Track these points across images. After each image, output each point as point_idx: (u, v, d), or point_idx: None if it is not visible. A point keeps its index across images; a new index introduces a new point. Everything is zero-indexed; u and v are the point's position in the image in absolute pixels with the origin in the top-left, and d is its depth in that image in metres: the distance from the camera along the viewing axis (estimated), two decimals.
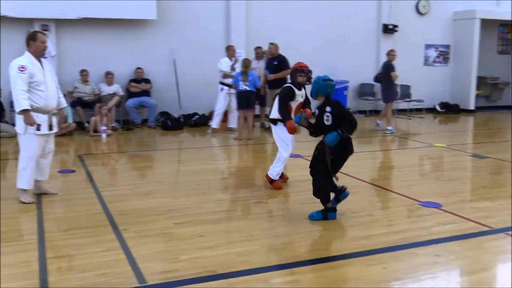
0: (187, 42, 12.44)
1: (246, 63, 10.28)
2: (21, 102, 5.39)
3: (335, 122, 5.14)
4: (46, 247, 4.44)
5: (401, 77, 14.52)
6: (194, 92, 12.52)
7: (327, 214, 5.25)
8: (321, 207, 5.31)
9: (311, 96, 5.49)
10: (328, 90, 5.33)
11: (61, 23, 11.44)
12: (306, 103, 6.47)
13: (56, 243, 4.57)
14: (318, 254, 4.36)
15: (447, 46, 15.90)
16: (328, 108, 5.19)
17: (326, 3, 13.80)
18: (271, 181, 6.54)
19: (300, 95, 6.36)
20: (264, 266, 4.07)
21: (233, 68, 11.03)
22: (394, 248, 4.47)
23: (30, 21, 11.21)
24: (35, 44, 5.68)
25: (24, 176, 5.74)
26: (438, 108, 15.63)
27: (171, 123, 11.53)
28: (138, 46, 12.15)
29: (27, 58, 5.64)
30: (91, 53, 11.71)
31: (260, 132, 11.30)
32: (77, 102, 11.21)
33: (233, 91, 10.81)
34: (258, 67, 11.54)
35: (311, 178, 6.91)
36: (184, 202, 5.82)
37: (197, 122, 12.06)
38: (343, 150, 5.35)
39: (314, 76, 5.83)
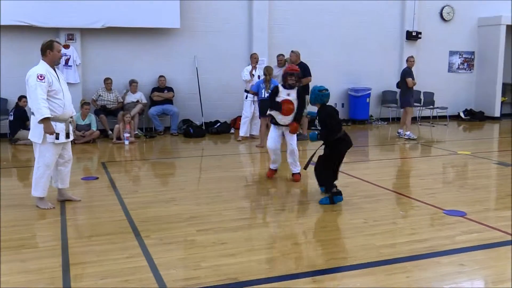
0: (209, 51, 12.52)
1: (269, 71, 10.27)
2: (43, 110, 5.46)
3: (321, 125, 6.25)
4: (69, 254, 4.48)
5: (424, 84, 14.43)
6: (216, 100, 12.59)
7: (333, 198, 6.04)
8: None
9: (310, 103, 6.39)
10: (323, 99, 6.27)
11: (86, 32, 11.62)
12: (300, 105, 7.23)
13: (79, 249, 4.61)
14: (340, 263, 4.32)
15: (472, 53, 15.69)
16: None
17: (349, 10, 13.76)
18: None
19: (285, 93, 7.14)
20: (285, 274, 4.05)
21: (251, 75, 11.07)
22: (417, 257, 4.41)
23: (56, 30, 11.41)
24: (52, 53, 5.76)
25: (40, 184, 5.81)
26: (462, 115, 15.41)
27: (193, 131, 11.60)
28: (161, 55, 12.27)
29: (44, 67, 5.71)
30: (115, 62, 11.86)
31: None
32: (100, 110, 11.35)
33: (257, 98, 10.83)
34: (280, 75, 11.53)
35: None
36: (206, 210, 5.83)
37: (219, 129, 12.10)
38: (338, 147, 6.26)
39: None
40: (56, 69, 5.88)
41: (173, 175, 8.22)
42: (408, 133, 11.40)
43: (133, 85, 11.72)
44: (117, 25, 11.58)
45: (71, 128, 5.95)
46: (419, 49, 14.58)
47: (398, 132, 11.66)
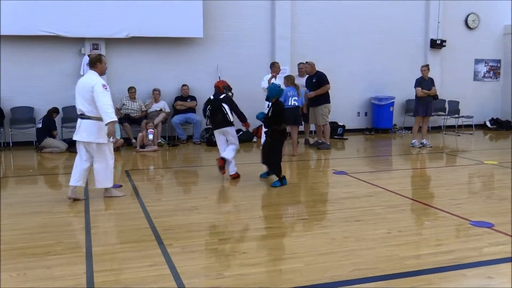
0: (232, 59, 12.59)
1: (292, 79, 10.24)
2: (112, 114, 6.31)
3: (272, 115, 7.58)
4: (94, 261, 4.52)
5: (450, 92, 14.28)
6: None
7: (283, 181, 7.49)
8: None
9: (268, 99, 7.88)
10: (280, 94, 7.81)
11: (111, 42, 11.79)
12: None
13: (103, 257, 4.65)
14: (363, 274, 4.26)
15: (498, 61, 15.48)
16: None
17: (372, 18, 13.71)
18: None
19: None
20: (308, 284, 4.01)
21: (270, 83, 11.04)
22: (443, 269, 4.32)
23: (81, 40, 11.61)
24: (101, 65, 6.57)
25: (111, 176, 6.72)
26: (488, 124, 15.18)
27: (215, 139, 11.60)
28: (184, 64, 12.38)
29: (99, 77, 6.49)
30: (139, 71, 12.01)
31: (304, 148, 11.24)
32: (124, 119, 11.48)
33: None
34: (300, 85, 11.51)
35: (355, 196, 6.90)
36: (228, 218, 5.83)
37: (241, 138, 12.06)
38: (282, 136, 7.74)
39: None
40: None
41: (196, 184, 8.25)
42: (413, 141, 11.33)
43: (155, 93, 11.84)
44: (140, 34, 11.73)
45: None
46: (444, 57, 14.44)
47: (421, 143, 11.50)
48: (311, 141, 11.65)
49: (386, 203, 6.52)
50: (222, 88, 8.24)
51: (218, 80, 8.97)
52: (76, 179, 6.61)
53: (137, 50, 12.06)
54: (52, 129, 10.91)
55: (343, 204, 6.48)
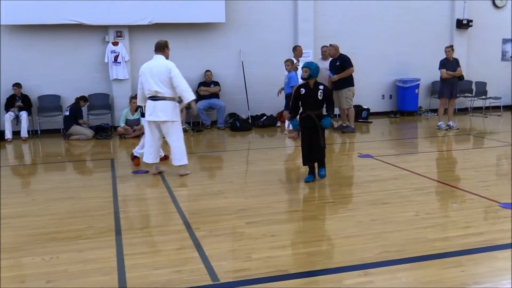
0: (255, 44, 12.54)
1: (293, 63, 10.25)
2: (192, 93, 7.06)
3: (323, 98, 6.55)
4: (123, 244, 4.60)
5: (476, 73, 14.02)
6: (262, 93, 12.59)
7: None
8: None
9: (310, 78, 6.54)
10: (318, 73, 6.73)
11: (134, 29, 11.85)
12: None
13: (132, 240, 4.72)
14: (392, 256, 4.24)
15: None
16: (321, 87, 6.57)
17: None
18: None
19: None
20: (336, 266, 4.02)
21: (295, 68, 10.99)
22: (472, 251, 4.28)
23: (105, 28, 11.70)
24: (168, 50, 7.18)
25: (185, 153, 7.22)
26: None
27: (239, 124, 11.66)
28: (207, 49, 12.38)
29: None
30: None
31: (328, 132, 11.18)
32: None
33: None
34: (323, 68, 11.42)
35: (382, 179, 6.85)
36: (255, 202, 5.85)
37: (265, 123, 12.12)
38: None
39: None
40: None
41: (221, 168, 8.30)
42: (439, 123, 11.17)
43: None
44: (163, 21, 11.76)
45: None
46: (470, 37, 14.15)
47: (448, 125, 11.33)
48: (335, 124, 11.58)
49: (413, 186, 6.46)
50: None
51: None
52: (154, 156, 7.26)
53: (160, 36, 11.89)
54: (78, 117, 11.06)
55: (369, 187, 6.45)
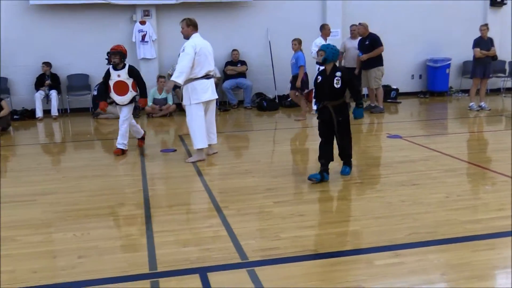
0: (282, 23, 12.39)
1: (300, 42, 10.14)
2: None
3: (342, 86, 5.66)
4: (152, 222, 4.64)
5: (510, 53, 13.60)
6: (289, 73, 12.42)
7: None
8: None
9: (325, 62, 5.70)
10: (338, 56, 5.89)
11: (161, 8, 11.83)
12: (138, 85, 7.36)
13: (161, 218, 4.77)
14: (422, 237, 4.19)
15: None
16: (338, 73, 5.67)
17: None
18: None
19: (116, 75, 7.24)
20: (366, 247, 3.99)
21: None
22: (506, 234, 4.19)
23: (132, 7, 11.71)
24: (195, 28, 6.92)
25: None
26: None
27: (266, 104, 11.61)
28: (234, 28, 12.30)
29: None
30: None
31: None
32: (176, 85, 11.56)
33: None
34: (352, 47, 11.26)
35: (411, 160, 6.74)
36: (282, 182, 5.83)
37: (292, 102, 12.02)
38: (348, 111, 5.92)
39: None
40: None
41: (248, 148, 8.29)
42: (471, 104, 10.91)
43: None
44: (190, 0, 11.69)
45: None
46: (505, 16, 13.71)
47: (479, 106, 11.07)
48: (364, 104, 11.42)
49: (443, 167, 6.35)
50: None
51: None
52: (208, 138, 7.02)
53: (187, 15, 11.82)
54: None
55: (398, 168, 6.36)
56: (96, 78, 11.51)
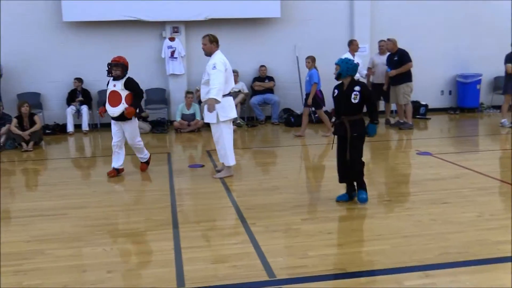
0: (309, 39, 12.41)
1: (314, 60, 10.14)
2: None
3: (361, 101, 5.43)
4: (180, 237, 4.66)
5: None
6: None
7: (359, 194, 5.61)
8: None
9: (340, 77, 5.55)
10: (356, 70, 5.61)
11: (190, 25, 11.99)
12: (134, 97, 7.07)
13: (189, 234, 4.78)
14: (453, 258, 4.10)
15: None
16: (357, 88, 5.45)
17: None
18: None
19: (112, 85, 7.04)
20: (395, 267, 3.93)
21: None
22: None
23: (162, 24, 11.90)
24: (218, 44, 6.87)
25: None
26: None
27: (294, 120, 11.60)
28: (261, 44, 12.37)
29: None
30: None
31: (385, 128, 10.96)
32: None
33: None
34: (380, 63, 11.20)
35: (441, 177, 6.61)
36: (310, 199, 5.80)
37: (319, 118, 11.99)
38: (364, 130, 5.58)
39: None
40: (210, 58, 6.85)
41: (275, 164, 8.28)
42: (503, 120, 10.68)
43: (233, 75, 11.88)
44: (219, 16, 11.83)
45: (204, 109, 6.77)
46: None
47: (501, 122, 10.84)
48: (392, 121, 11.32)
49: (474, 185, 6.23)
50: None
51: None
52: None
53: (215, 32, 11.90)
54: (139, 111, 11.29)
55: (428, 186, 6.26)
56: None
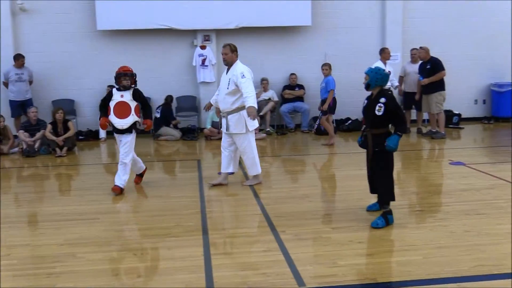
0: (340, 47, 12.36)
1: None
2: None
3: (385, 114, 5.05)
4: (210, 244, 4.67)
5: None
6: (347, 97, 12.35)
7: (388, 217, 5.10)
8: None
9: (369, 87, 5.25)
10: (386, 80, 5.26)
11: (221, 33, 12.07)
12: (144, 108, 6.77)
13: (219, 240, 4.79)
14: (488, 270, 4.00)
15: None
16: (382, 99, 5.09)
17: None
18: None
19: (119, 95, 6.61)
20: (428, 278, 3.85)
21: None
22: None
23: (193, 32, 12.02)
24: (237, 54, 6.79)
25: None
26: None
27: (323, 128, 11.52)
28: (292, 52, 12.37)
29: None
30: (247, 60, 11.97)
31: (416, 137, 10.80)
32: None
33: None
34: (412, 71, 11.07)
35: (475, 188, 6.47)
36: (340, 207, 5.75)
37: (350, 127, 11.93)
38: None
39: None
40: (231, 68, 6.77)
41: (305, 172, 8.24)
42: None
43: (263, 83, 11.96)
44: (249, 25, 11.88)
45: (224, 121, 6.81)
46: None
47: None
48: (424, 130, 11.15)
49: (510, 197, 6.06)
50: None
51: None
52: (233, 166, 7.04)
53: (246, 40, 12.23)
54: (170, 118, 11.44)
55: (461, 196, 6.14)
56: (158, 100, 11.86)
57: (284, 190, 6.63)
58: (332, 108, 10.11)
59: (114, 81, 6.74)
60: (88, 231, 5.12)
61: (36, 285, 3.95)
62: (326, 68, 10.17)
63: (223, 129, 6.84)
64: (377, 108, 5.08)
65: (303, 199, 6.14)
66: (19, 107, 10.91)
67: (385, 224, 5.04)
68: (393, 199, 5.20)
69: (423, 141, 10.35)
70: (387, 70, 10.72)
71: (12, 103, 10.98)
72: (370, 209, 5.56)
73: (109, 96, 6.72)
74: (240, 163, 8.32)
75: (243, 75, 6.48)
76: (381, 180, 5.20)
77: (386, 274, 3.93)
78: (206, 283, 3.84)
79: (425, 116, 11.48)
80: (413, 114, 11.59)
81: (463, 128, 12.01)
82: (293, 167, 8.49)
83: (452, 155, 8.80)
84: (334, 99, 10.04)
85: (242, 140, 6.73)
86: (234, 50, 6.72)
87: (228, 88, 6.58)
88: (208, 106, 7.45)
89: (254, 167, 6.82)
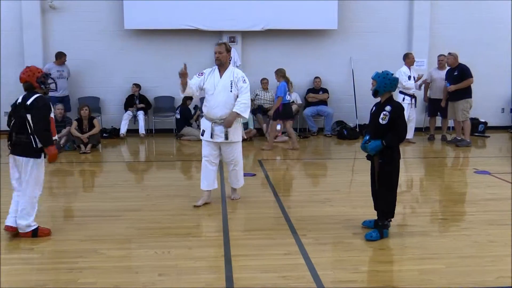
0: (366, 51, 12.28)
1: (284, 73, 10.00)
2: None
3: (390, 124, 4.77)
4: (231, 245, 4.68)
5: None
6: (372, 102, 12.19)
7: (383, 231, 4.86)
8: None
9: (377, 94, 4.91)
10: (396, 85, 4.94)
11: (247, 35, 12.10)
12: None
13: (239, 242, 4.80)
14: None
15: None
16: (388, 107, 4.82)
17: None
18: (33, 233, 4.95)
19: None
20: (449, 287, 3.79)
21: (410, 78, 10.58)
22: None
23: (219, 33, 12.07)
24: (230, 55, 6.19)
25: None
26: None
27: (347, 133, 11.48)
28: (317, 56, 12.33)
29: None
30: (272, 63, 12.11)
31: (441, 144, 10.67)
32: (257, 109, 11.73)
33: (413, 100, 10.50)
34: (439, 78, 10.95)
35: (500, 198, 6.36)
36: (362, 213, 5.69)
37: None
38: (398, 158, 4.90)
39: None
40: (225, 72, 6.12)
41: (327, 176, 8.20)
42: None
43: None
44: (275, 27, 11.89)
45: (217, 129, 5.95)
46: None
47: None
48: (449, 137, 11.01)
49: None
50: (36, 82, 5.04)
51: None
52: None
53: (271, 42, 12.25)
54: (189, 117, 11.50)
55: (486, 206, 6.04)
56: (181, 100, 11.93)
57: (305, 194, 6.61)
58: (282, 114, 9.94)
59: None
60: (110, 228, 5.18)
61: (57, 279, 4.00)
62: (277, 73, 10.10)
63: (218, 139, 5.98)
64: (381, 116, 4.81)
65: (324, 203, 6.11)
66: (58, 103, 11.08)
67: (379, 237, 4.81)
68: (393, 216, 4.98)
69: (447, 149, 10.22)
70: (412, 76, 10.73)
71: (52, 99, 11.16)
72: (365, 225, 5.21)
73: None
74: (262, 165, 8.33)
75: (245, 80, 6.08)
76: (383, 195, 4.91)
77: (406, 282, 3.89)
78: (226, 284, 3.85)
79: (450, 123, 11.33)
80: (438, 121, 11.44)
81: (489, 136, 11.82)
82: (315, 171, 8.46)
83: (477, 164, 8.67)
84: (284, 105, 9.87)
85: (235, 149, 6.22)
86: (229, 50, 6.29)
87: (231, 91, 5.94)
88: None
89: (241, 178, 6.37)
